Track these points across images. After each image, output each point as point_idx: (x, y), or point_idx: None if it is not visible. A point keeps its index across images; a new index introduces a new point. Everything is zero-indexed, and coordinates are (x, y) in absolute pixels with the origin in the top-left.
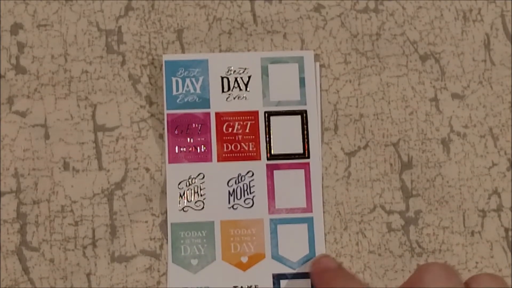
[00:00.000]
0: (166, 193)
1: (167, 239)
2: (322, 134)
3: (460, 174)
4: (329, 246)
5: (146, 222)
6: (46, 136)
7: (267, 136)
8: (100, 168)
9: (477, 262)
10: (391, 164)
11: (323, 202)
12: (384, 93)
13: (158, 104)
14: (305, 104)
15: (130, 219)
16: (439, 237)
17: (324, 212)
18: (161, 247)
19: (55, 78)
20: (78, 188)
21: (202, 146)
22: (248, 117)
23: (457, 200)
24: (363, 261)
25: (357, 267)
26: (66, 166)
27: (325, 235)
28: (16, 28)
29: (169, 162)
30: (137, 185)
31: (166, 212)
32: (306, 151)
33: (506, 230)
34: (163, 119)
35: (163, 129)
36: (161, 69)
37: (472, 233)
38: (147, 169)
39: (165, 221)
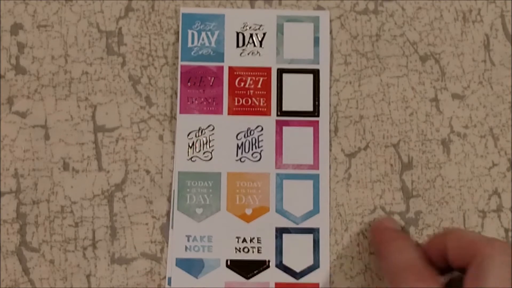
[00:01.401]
0: (166, 195)
1: (167, 242)
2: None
3: (460, 174)
4: (330, 248)
5: (147, 224)
6: (46, 137)
7: (279, 92)
8: (100, 169)
9: None
10: (391, 165)
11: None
12: (384, 94)
13: (158, 105)
14: (318, 63)
15: (131, 221)
16: None
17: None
18: (161, 250)
19: (55, 79)
20: (77, 188)
21: (214, 98)
22: (260, 73)
23: (457, 201)
24: (364, 262)
25: (358, 268)
26: (65, 167)
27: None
28: (16, 28)
29: (180, 113)
30: (137, 187)
31: (166, 215)
32: (316, 110)
33: (506, 230)
34: (163, 120)
35: (163, 130)
36: (161, 70)
37: None
38: (147, 171)
39: (166, 224)
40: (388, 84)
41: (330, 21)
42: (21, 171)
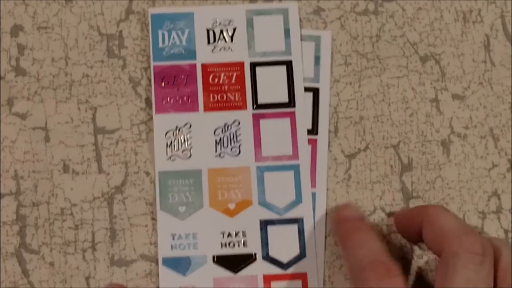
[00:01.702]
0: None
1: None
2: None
3: (460, 176)
4: (330, 248)
5: (146, 226)
6: (47, 139)
7: (253, 86)
8: (100, 171)
9: None
10: (391, 166)
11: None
12: (384, 94)
13: None
14: (290, 54)
15: (130, 223)
16: None
17: (326, 214)
18: None
19: (55, 82)
20: (77, 191)
21: (189, 96)
22: (233, 68)
23: (457, 202)
24: None
25: None
26: (66, 169)
27: (325, 238)
28: (16, 29)
29: (156, 113)
30: (137, 189)
31: None
32: (292, 100)
33: (506, 231)
34: None
35: None
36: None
37: None
38: (147, 173)
39: None
40: (388, 84)
41: (330, 22)
42: (21, 172)
